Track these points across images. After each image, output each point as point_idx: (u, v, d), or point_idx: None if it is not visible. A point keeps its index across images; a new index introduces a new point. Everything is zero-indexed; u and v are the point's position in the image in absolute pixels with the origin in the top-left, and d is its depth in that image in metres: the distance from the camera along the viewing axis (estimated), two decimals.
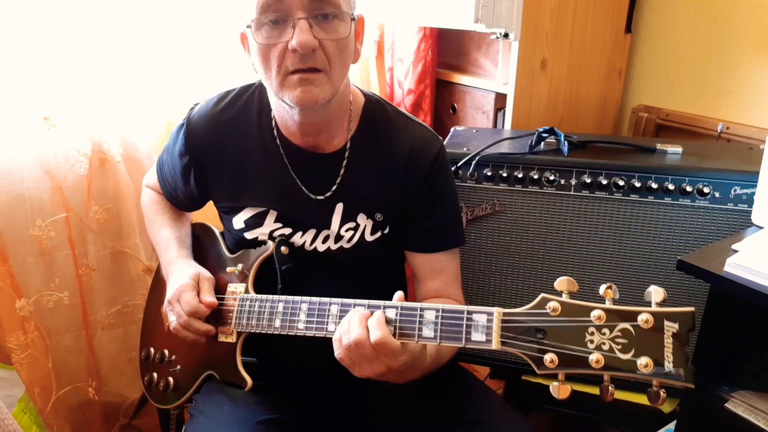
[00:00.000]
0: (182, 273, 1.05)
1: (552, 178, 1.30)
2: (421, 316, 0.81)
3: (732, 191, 1.20)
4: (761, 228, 1.13)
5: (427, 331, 0.81)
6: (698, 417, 1.12)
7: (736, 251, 1.01)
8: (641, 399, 1.35)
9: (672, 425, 1.26)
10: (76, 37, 1.39)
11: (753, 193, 1.17)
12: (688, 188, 1.22)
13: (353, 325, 0.81)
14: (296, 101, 0.92)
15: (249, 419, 0.97)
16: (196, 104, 1.11)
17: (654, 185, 1.24)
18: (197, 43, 1.57)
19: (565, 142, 1.34)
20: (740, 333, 1.12)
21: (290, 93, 0.91)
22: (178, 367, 1.12)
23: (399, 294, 0.85)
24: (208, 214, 1.23)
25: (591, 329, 0.71)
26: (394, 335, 0.81)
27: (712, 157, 1.31)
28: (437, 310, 0.81)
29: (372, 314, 0.82)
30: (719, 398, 1.07)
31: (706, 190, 1.21)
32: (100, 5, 1.40)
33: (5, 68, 1.32)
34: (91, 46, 1.41)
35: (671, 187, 1.23)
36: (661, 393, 0.69)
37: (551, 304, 0.74)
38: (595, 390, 1.36)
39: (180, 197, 1.18)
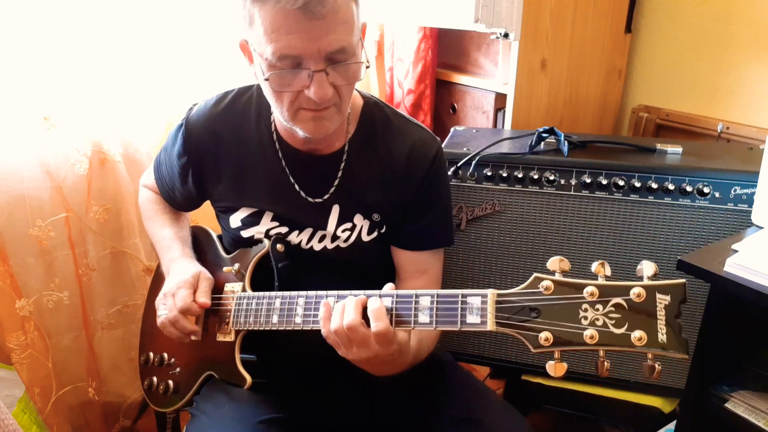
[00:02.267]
0: (184, 270, 1.05)
1: (552, 178, 1.30)
2: (416, 302, 0.82)
3: (732, 191, 1.20)
4: (761, 228, 1.13)
5: (423, 317, 0.81)
6: (698, 417, 1.12)
7: (736, 251, 1.01)
8: (641, 399, 1.35)
9: (672, 425, 1.26)
10: (76, 38, 1.39)
11: (753, 193, 1.17)
12: (688, 188, 1.22)
13: (348, 309, 0.82)
14: (309, 133, 0.94)
15: (250, 418, 0.97)
16: (194, 105, 1.11)
17: (654, 185, 1.24)
18: (197, 43, 1.57)
19: (565, 142, 1.34)
20: (740, 333, 1.12)
21: (302, 126, 0.93)
22: (178, 369, 1.12)
23: (390, 285, 0.86)
24: (206, 215, 1.23)
25: (584, 306, 0.72)
26: (391, 323, 0.82)
27: (712, 157, 1.31)
28: (432, 296, 0.81)
29: (367, 300, 0.83)
30: (719, 398, 1.07)
31: (706, 190, 1.21)
32: (100, 6, 1.40)
33: (5, 68, 1.32)
34: (92, 47, 1.41)
35: (671, 187, 1.23)
36: (656, 365, 0.70)
37: (544, 283, 0.74)
38: (595, 390, 1.36)
39: (177, 197, 1.18)
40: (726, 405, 1.06)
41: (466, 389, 1.08)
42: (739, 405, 1.06)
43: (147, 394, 1.18)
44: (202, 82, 1.59)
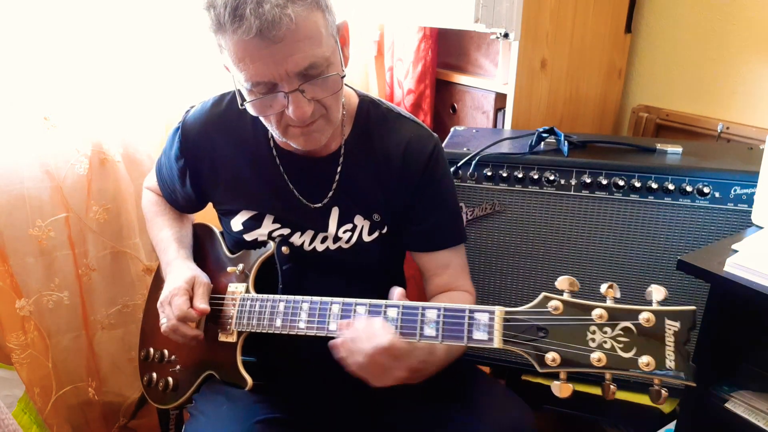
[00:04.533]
0: (178, 275, 1.04)
1: (552, 178, 1.30)
2: (423, 315, 0.81)
3: (732, 191, 1.20)
4: (761, 228, 1.13)
5: (429, 330, 0.81)
6: (698, 417, 1.12)
7: (736, 251, 1.01)
8: (641, 399, 1.35)
9: (672, 425, 1.26)
10: (76, 38, 1.38)
11: (753, 193, 1.17)
12: (688, 188, 1.22)
13: (363, 342, 0.80)
14: (301, 147, 0.95)
15: (248, 418, 0.97)
16: (192, 107, 1.11)
17: (654, 185, 1.24)
18: (197, 43, 1.56)
19: (565, 142, 1.34)
20: (740, 333, 1.12)
21: (294, 141, 0.94)
22: (178, 367, 1.12)
23: (399, 291, 0.84)
24: (208, 215, 1.23)
25: (593, 328, 0.72)
26: (396, 334, 0.81)
27: (712, 157, 1.31)
28: (439, 309, 0.81)
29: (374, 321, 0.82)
30: (719, 398, 1.07)
31: (706, 190, 1.21)
32: (100, 6, 1.40)
33: (5, 68, 1.32)
34: (91, 47, 1.41)
35: (671, 187, 1.23)
36: (663, 392, 0.70)
37: (553, 303, 0.74)
38: (595, 390, 1.36)
39: (179, 199, 1.18)
40: (726, 405, 1.06)
41: (468, 377, 1.07)
42: (739, 405, 1.05)
43: (146, 390, 1.18)
44: (201, 83, 1.58)
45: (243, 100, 0.90)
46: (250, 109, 0.90)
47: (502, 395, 1.03)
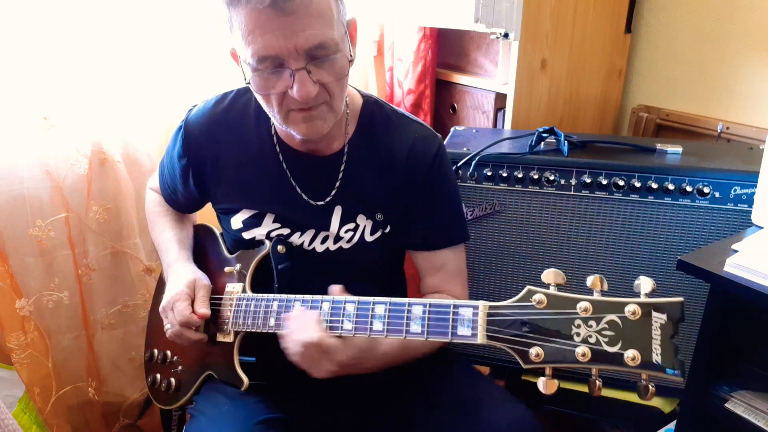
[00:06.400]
0: (179, 278, 1.05)
1: (552, 178, 1.30)
2: (409, 311, 0.81)
3: (732, 191, 1.20)
4: (761, 228, 1.13)
5: (415, 327, 0.80)
6: (698, 417, 1.12)
7: (736, 251, 1.01)
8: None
9: (672, 425, 1.26)
10: (76, 38, 1.38)
11: (753, 193, 1.17)
12: (688, 188, 1.22)
13: (298, 334, 0.86)
14: (302, 135, 0.94)
15: (249, 419, 0.96)
16: (194, 106, 1.11)
17: (654, 185, 1.24)
18: (197, 43, 1.57)
19: (565, 142, 1.34)
20: (740, 333, 1.12)
21: (295, 128, 0.93)
22: (180, 368, 1.12)
23: (338, 287, 0.89)
24: (208, 215, 1.23)
25: (577, 321, 0.69)
26: (383, 331, 0.82)
27: (712, 157, 1.31)
28: (425, 305, 0.80)
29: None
30: (719, 398, 1.07)
31: (706, 190, 1.21)
32: (100, 7, 1.40)
33: (5, 68, 1.32)
34: (91, 47, 1.41)
35: (671, 187, 1.23)
36: (650, 387, 0.67)
37: (537, 297, 0.72)
38: None
39: (180, 199, 1.18)
40: (726, 405, 1.06)
41: (465, 378, 1.08)
42: (739, 405, 1.05)
43: (150, 390, 1.18)
44: (202, 83, 1.58)
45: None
46: (254, 86, 0.89)
47: (502, 397, 1.02)
